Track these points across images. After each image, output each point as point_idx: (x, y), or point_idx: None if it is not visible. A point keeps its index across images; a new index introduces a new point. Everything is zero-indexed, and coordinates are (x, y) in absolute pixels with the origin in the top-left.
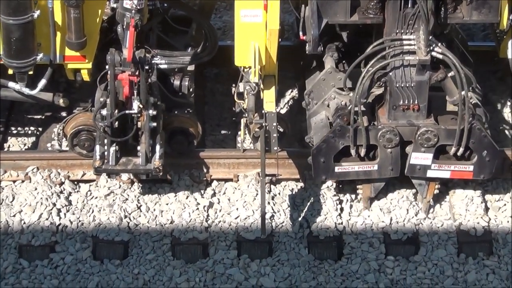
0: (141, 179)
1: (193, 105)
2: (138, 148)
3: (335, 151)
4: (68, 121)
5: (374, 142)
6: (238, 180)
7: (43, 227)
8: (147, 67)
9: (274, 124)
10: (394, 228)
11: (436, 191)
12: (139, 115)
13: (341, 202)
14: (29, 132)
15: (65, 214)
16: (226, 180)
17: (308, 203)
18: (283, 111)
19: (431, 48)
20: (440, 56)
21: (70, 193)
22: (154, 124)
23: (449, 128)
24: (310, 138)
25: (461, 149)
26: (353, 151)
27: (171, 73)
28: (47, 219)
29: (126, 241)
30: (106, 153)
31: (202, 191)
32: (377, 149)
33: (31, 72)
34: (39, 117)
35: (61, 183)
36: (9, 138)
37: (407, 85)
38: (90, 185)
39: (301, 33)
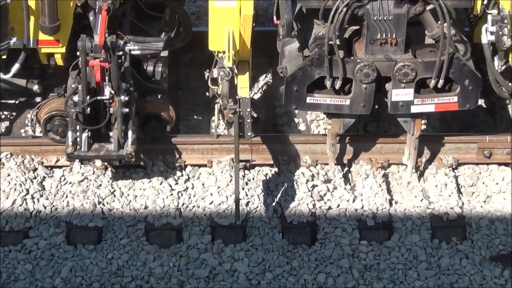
0: (115, 165)
1: (167, 90)
2: (111, 134)
3: (310, 80)
4: (41, 106)
5: (350, 75)
6: (212, 166)
7: (16, 213)
8: (120, 53)
9: (248, 110)
10: (367, 213)
11: (423, 127)
12: (111, 101)
13: (314, 187)
14: (3, 117)
15: (38, 199)
16: (200, 166)
17: (282, 189)
18: (257, 97)
19: None
20: None
21: (43, 179)
22: (126, 110)
23: (426, 60)
24: (282, 68)
25: (441, 81)
26: (328, 83)
27: (144, 59)
28: (20, 205)
29: (100, 226)
30: (78, 139)
31: (176, 177)
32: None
33: (4, 57)
34: (12, 102)
35: (35, 169)
36: None
37: (385, 18)
38: (64, 171)
39: (275, 18)
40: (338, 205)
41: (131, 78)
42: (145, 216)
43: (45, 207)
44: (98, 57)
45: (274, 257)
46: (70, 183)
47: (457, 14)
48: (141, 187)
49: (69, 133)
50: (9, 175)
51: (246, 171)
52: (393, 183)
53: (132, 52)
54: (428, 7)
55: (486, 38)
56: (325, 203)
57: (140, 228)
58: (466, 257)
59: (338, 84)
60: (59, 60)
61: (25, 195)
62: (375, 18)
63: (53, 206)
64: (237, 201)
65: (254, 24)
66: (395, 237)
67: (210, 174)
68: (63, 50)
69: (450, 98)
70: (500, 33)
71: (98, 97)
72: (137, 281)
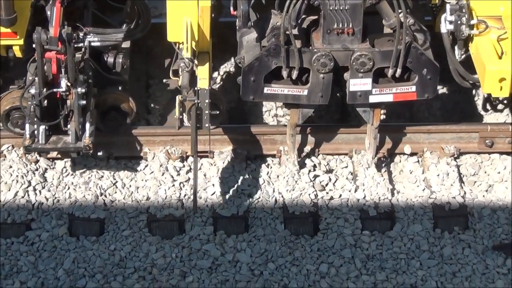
0: (116, 156)
1: (128, 82)
2: (69, 126)
3: (267, 70)
4: (1, 99)
5: (307, 65)
6: (213, 157)
7: (18, 205)
8: (80, 45)
9: (207, 101)
10: (369, 203)
11: (383, 116)
12: (67, 93)
13: (316, 177)
14: None
15: (40, 191)
16: (202, 156)
17: (284, 179)
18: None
19: None
20: None
21: (45, 170)
22: (84, 102)
23: (384, 50)
24: (240, 58)
25: (399, 70)
26: (285, 73)
27: (105, 50)
28: (22, 197)
29: (102, 218)
30: (36, 131)
31: (178, 168)
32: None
33: None
34: None
35: (37, 161)
36: None
37: (341, 8)
38: (65, 162)
39: (232, 8)
40: (340, 195)
41: (90, 70)
42: (147, 208)
43: (47, 199)
44: (54, 49)
45: (276, 247)
46: (72, 174)
47: (418, 3)
48: (143, 178)
49: (27, 126)
50: (10, 167)
51: (249, 161)
52: (394, 172)
53: (92, 44)
54: None
55: (445, 27)
56: (327, 193)
57: (142, 220)
58: (469, 246)
59: (294, 75)
60: (17, 52)
61: (27, 187)
62: (331, 8)
63: (55, 198)
64: (195, 193)
65: (215, 15)
66: (397, 227)
67: (212, 164)
68: (21, 42)
69: (409, 88)
70: (459, 22)
71: (54, 89)
72: (139, 272)
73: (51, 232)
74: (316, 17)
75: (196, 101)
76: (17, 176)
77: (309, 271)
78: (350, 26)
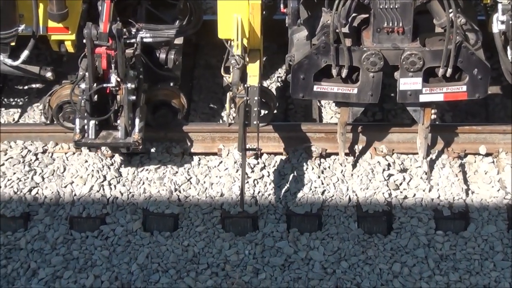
0: (191, 152)
1: (179, 78)
2: (118, 121)
3: (316, 68)
4: (53, 93)
5: (357, 64)
6: (287, 154)
7: (93, 199)
8: (132, 40)
9: (256, 98)
10: (444, 203)
11: (433, 116)
12: (117, 88)
13: (390, 176)
14: (13, 104)
15: (115, 186)
16: (275, 154)
17: (358, 177)
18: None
19: None
20: None
21: (121, 165)
22: (134, 97)
23: (434, 49)
24: (291, 57)
25: (449, 70)
26: (334, 71)
27: (157, 47)
28: (97, 191)
29: (176, 213)
30: (86, 126)
31: (252, 165)
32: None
33: (13, 44)
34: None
35: (112, 156)
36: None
37: (391, 6)
38: (141, 157)
39: (281, 6)
40: (414, 195)
41: (141, 65)
42: (221, 204)
43: (121, 194)
44: (104, 44)
45: (349, 246)
46: (147, 169)
47: (471, 3)
48: (217, 174)
49: (77, 120)
50: (86, 161)
51: (322, 160)
52: (469, 173)
53: (144, 40)
54: None
55: (497, 27)
56: (401, 192)
57: (216, 216)
58: None
59: (344, 73)
60: (69, 47)
61: (102, 182)
62: (381, 7)
63: (130, 192)
64: (242, 189)
65: (266, 13)
66: (471, 228)
67: (286, 162)
68: (72, 37)
69: (459, 88)
70: (511, 22)
71: (104, 85)
72: (212, 268)
73: (125, 227)
74: (367, 15)
75: (245, 98)
76: (92, 170)
77: (382, 270)
78: (400, 25)
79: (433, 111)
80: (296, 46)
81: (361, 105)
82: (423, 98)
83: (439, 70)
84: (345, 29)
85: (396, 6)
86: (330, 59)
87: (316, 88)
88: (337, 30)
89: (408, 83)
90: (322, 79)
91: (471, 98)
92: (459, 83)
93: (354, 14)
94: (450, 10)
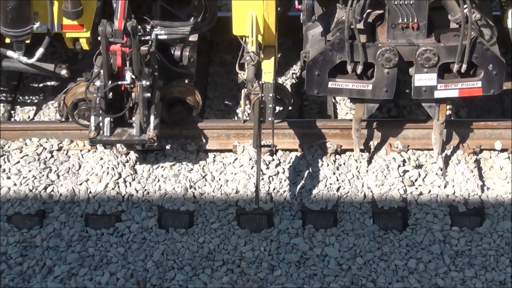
0: (206, 149)
1: (194, 75)
2: (133, 118)
3: (331, 64)
4: (68, 91)
5: (372, 60)
6: (303, 150)
7: (109, 196)
8: (147, 38)
9: (271, 95)
10: (459, 199)
11: (448, 112)
12: (132, 86)
13: (406, 172)
14: (28, 101)
15: (130, 183)
16: (290, 151)
17: (373, 173)
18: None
19: None
20: None
21: (136, 162)
22: (148, 94)
23: (449, 45)
24: (306, 53)
25: (464, 66)
26: (349, 67)
27: (172, 44)
28: (113, 188)
29: (191, 210)
30: (101, 123)
31: (267, 161)
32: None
33: (28, 41)
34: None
35: (127, 153)
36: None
37: (406, 2)
38: (156, 154)
39: (296, 2)
40: (429, 191)
41: (156, 63)
42: (236, 201)
43: (137, 191)
44: (119, 42)
45: (365, 242)
46: (162, 167)
47: None
48: (232, 171)
49: (92, 118)
50: (101, 158)
51: (337, 156)
52: (484, 169)
53: (159, 37)
54: None
55: (511, 23)
56: (416, 188)
57: (231, 213)
58: None
59: (359, 69)
60: (84, 45)
61: (118, 179)
62: (396, 3)
63: (145, 190)
64: (257, 186)
65: (281, 9)
66: (487, 223)
67: (301, 158)
68: (87, 34)
69: (474, 83)
70: None
71: (119, 82)
72: (228, 265)
73: (140, 224)
74: (381, 11)
75: (260, 95)
76: (107, 168)
77: (397, 266)
78: (415, 20)
79: (448, 107)
80: (310, 43)
81: (376, 101)
82: (438, 94)
83: (454, 66)
84: (360, 25)
85: (411, 2)
86: (344, 55)
87: (331, 84)
88: (351, 26)
89: (423, 79)
90: (337, 76)
91: (486, 94)
92: (474, 79)
93: (368, 10)
94: (465, 6)
